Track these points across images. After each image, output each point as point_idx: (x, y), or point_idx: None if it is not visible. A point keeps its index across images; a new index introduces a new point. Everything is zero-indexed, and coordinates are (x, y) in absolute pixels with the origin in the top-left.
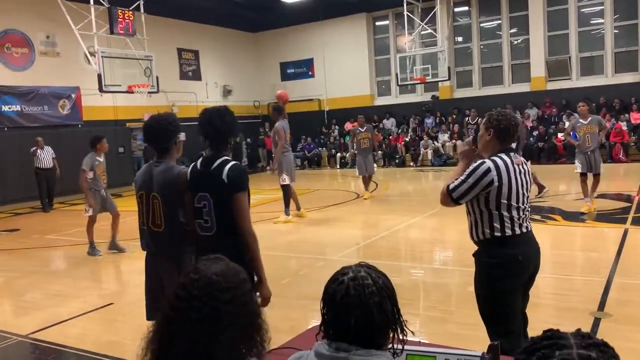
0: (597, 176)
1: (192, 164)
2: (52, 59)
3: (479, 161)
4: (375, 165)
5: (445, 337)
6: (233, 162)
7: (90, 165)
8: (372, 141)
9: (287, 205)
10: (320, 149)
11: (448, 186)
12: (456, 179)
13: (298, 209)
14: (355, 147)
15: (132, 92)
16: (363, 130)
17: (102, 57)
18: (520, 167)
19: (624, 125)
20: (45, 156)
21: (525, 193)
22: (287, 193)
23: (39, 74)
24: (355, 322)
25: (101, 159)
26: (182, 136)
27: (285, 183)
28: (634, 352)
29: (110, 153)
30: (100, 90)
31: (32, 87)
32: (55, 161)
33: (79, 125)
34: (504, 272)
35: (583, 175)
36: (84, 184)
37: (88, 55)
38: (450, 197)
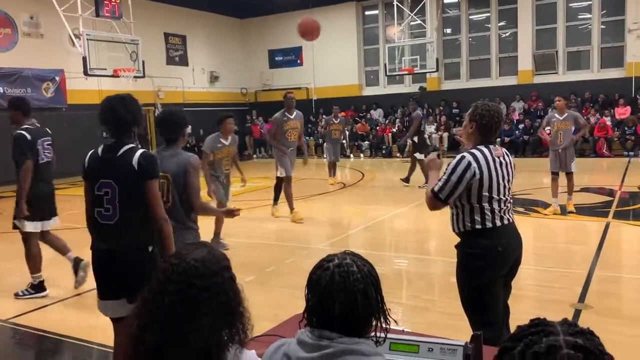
0: (569, 175)
1: (91, 151)
2: (35, 41)
3: (458, 157)
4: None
5: (428, 327)
6: (143, 150)
7: (210, 147)
8: (342, 132)
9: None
10: (307, 138)
11: (433, 189)
12: (439, 182)
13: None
14: (326, 136)
15: (118, 77)
16: (336, 122)
17: (87, 39)
18: (501, 158)
19: (608, 120)
20: None
21: (507, 185)
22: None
23: (22, 55)
24: (340, 308)
25: (226, 141)
26: (188, 129)
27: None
28: (613, 344)
29: (94, 136)
30: (85, 73)
31: (15, 68)
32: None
33: (63, 109)
34: (483, 263)
35: (554, 174)
36: (203, 168)
37: (73, 37)
38: (437, 199)
